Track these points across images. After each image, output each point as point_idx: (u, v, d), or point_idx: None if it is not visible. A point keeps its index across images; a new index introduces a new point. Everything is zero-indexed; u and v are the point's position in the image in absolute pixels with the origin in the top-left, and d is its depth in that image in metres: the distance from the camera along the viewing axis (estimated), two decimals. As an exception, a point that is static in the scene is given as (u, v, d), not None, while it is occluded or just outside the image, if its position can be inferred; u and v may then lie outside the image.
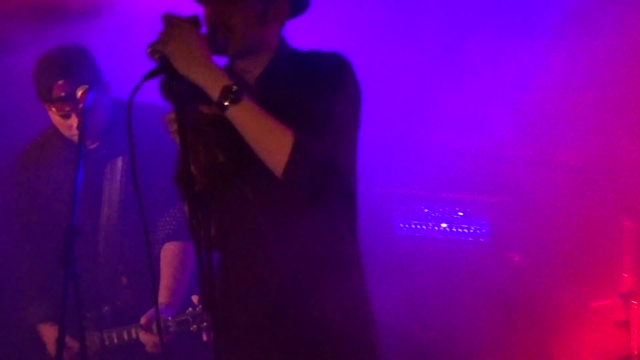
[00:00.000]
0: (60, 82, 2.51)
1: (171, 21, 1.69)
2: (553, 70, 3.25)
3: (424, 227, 3.74)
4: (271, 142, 1.81)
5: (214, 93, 1.69)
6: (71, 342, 2.60)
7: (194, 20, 1.74)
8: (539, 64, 3.33)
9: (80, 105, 2.41)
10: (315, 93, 1.87)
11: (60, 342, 2.21)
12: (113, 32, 3.28)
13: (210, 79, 1.73)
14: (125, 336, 2.74)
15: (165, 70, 1.66)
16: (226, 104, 1.69)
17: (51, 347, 2.80)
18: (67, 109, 2.54)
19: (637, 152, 3.21)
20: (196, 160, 1.82)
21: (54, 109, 2.61)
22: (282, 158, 1.75)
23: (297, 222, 1.93)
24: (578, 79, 3.24)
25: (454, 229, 3.67)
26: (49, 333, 2.80)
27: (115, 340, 2.75)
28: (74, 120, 2.57)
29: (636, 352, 3.25)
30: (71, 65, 2.57)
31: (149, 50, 1.70)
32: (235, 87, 1.71)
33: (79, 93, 2.47)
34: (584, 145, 3.35)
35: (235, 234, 1.96)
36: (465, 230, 3.65)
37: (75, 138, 2.54)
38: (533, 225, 3.55)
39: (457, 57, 3.52)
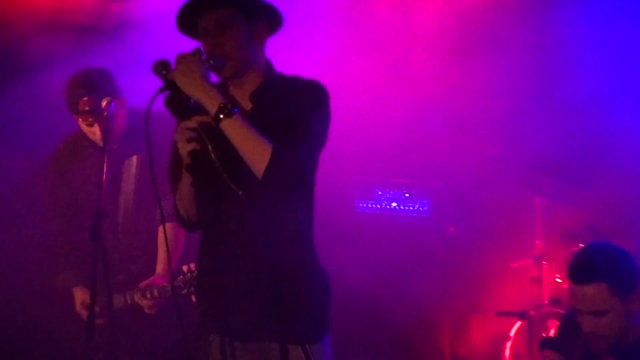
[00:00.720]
0: (85, 98, 2.82)
1: (178, 55, 1.98)
2: (476, 81, 3.84)
3: (378, 206, 4.25)
4: (254, 152, 2.01)
5: (212, 108, 1.92)
6: (84, 302, 3.00)
7: (196, 51, 2.02)
8: (466, 77, 3.88)
9: (105, 113, 2.75)
10: (296, 112, 2.08)
11: (92, 303, 2.57)
12: (130, 47, 3.64)
13: (208, 97, 1.96)
14: (129, 300, 3.00)
15: (171, 89, 1.93)
16: (221, 116, 1.93)
17: (79, 307, 3.09)
18: (91, 119, 2.86)
19: (541, 144, 3.78)
20: (196, 159, 1.99)
21: (80, 119, 2.93)
22: (262, 166, 1.97)
23: (271, 209, 2.17)
24: (495, 88, 3.85)
25: (402, 207, 4.20)
26: (79, 295, 3.09)
27: (122, 303, 2.99)
28: (96, 128, 2.89)
29: (546, 302, 3.89)
30: (94, 85, 2.87)
31: (153, 68, 1.99)
32: (229, 105, 1.95)
33: (104, 103, 2.80)
34: (501, 140, 3.95)
35: (225, 217, 2.16)
36: (411, 208, 4.18)
37: (99, 141, 2.93)
38: (464, 203, 4.13)
39: (403, 70, 4.02)
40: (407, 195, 4.21)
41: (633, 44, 3.95)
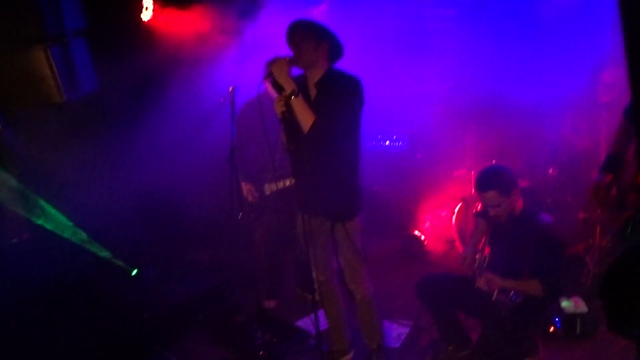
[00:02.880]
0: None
1: (275, 57, 2.86)
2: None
3: (378, 144, 5.80)
4: (304, 121, 2.87)
5: (288, 90, 2.82)
6: (250, 188, 4.08)
7: (286, 56, 2.87)
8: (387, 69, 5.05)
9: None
10: (333, 97, 2.92)
11: (237, 190, 3.64)
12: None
13: (288, 84, 2.84)
14: (274, 187, 3.95)
15: (270, 77, 2.86)
16: (292, 97, 2.82)
17: (247, 193, 4.07)
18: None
19: (449, 123, 5.15)
20: (284, 117, 2.85)
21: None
22: (306, 129, 2.86)
23: (322, 156, 3.00)
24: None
25: (390, 145, 5.82)
26: (245, 186, 4.09)
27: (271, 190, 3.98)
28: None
29: (474, 193, 4.91)
30: None
31: (265, 64, 2.85)
32: (297, 90, 2.83)
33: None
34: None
35: (303, 154, 2.97)
36: (395, 144, 5.80)
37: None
38: (425, 141, 5.65)
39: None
40: (394, 137, 5.79)
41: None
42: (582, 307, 3.89)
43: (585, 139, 4.81)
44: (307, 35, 2.92)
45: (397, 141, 5.73)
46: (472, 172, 5.21)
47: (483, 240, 3.45)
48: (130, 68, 4.41)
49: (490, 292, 3.01)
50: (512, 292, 3.02)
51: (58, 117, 4.12)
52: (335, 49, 3.00)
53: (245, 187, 4.06)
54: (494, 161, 5.01)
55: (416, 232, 5.51)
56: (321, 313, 3.36)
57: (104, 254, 4.30)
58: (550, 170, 4.87)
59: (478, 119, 5.24)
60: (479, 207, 4.77)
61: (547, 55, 4.85)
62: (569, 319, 3.81)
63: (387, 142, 5.75)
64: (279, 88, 2.91)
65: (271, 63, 2.85)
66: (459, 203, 5.30)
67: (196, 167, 4.74)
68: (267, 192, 4.07)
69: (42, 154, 4.11)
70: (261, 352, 3.73)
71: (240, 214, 3.85)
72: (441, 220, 5.58)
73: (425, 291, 3.54)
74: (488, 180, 3.16)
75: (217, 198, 4.21)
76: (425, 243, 5.45)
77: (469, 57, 5.13)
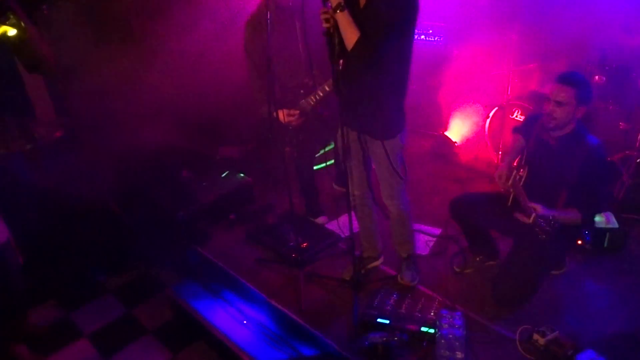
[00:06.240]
0: None
1: None
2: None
3: (421, 38, 5.57)
4: (348, 37, 2.72)
5: (334, 3, 2.66)
6: (290, 112, 3.84)
7: None
8: None
9: None
10: (382, 12, 2.68)
11: (270, 111, 3.20)
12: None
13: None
14: (310, 102, 3.79)
15: None
16: (338, 10, 2.66)
17: (285, 117, 3.84)
18: None
19: (490, 19, 4.84)
20: (328, 31, 2.68)
21: None
22: (350, 44, 2.71)
23: (366, 70, 2.84)
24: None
25: (427, 39, 5.59)
26: (280, 113, 3.81)
27: (306, 105, 3.77)
28: None
29: (513, 97, 4.83)
30: None
31: None
32: (343, 3, 2.67)
33: None
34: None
35: (346, 70, 2.79)
36: (432, 39, 5.57)
37: None
38: (462, 37, 5.28)
39: None
40: (430, 31, 5.55)
41: None
42: (613, 223, 3.90)
43: (637, 38, 4.53)
44: None
45: (434, 36, 5.48)
46: (513, 72, 4.92)
47: (518, 159, 3.37)
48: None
49: (529, 221, 2.99)
50: (551, 217, 2.99)
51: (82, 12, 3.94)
52: None
53: (283, 114, 3.82)
54: (535, 64, 4.78)
55: (448, 134, 5.42)
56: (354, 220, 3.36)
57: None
58: (597, 78, 4.61)
59: (522, 18, 4.87)
60: (517, 113, 4.78)
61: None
62: (599, 233, 3.84)
63: (423, 37, 5.50)
64: (324, 1, 2.72)
65: None
66: (494, 107, 5.10)
67: (228, 63, 4.48)
68: (307, 108, 3.85)
69: (67, 51, 3.95)
70: (293, 255, 3.84)
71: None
72: (475, 124, 5.45)
73: (459, 211, 3.56)
74: (576, 77, 3.04)
75: (248, 94, 3.96)
76: (456, 145, 5.38)
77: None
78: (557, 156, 3.20)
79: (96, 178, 4.07)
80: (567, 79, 3.02)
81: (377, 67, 2.82)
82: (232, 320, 3.64)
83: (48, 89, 4.14)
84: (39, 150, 3.76)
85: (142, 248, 4.22)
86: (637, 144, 4.33)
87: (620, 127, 4.56)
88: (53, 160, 4.10)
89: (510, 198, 3.19)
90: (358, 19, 2.72)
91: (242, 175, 4.75)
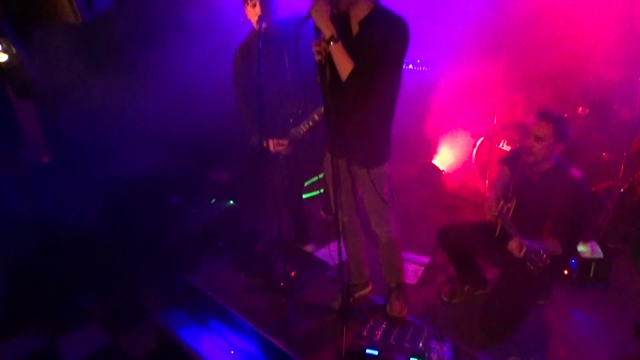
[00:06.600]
0: None
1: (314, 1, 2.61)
2: None
3: (408, 67, 5.08)
4: (343, 67, 2.73)
5: (327, 35, 2.65)
6: (279, 141, 3.77)
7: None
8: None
9: None
10: (378, 43, 2.68)
11: (263, 136, 3.19)
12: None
13: (327, 28, 2.66)
14: (298, 132, 3.71)
15: (309, 19, 2.65)
16: (331, 42, 2.65)
17: (274, 146, 3.75)
18: (254, 2, 3.34)
19: (477, 51, 4.87)
20: (320, 64, 2.66)
21: (248, 6, 3.36)
22: (345, 76, 2.73)
23: (358, 100, 2.86)
24: None
25: (415, 68, 5.18)
26: (270, 142, 3.66)
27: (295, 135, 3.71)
28: (258, 8, 3.35)
29: (499, 127, 4.82)
30: None
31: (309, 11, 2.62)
32: (336, 36, 2.64)
33: None
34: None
35: (337, 100, 2.79)
36: (419, 68, 5.13)
37: (257, 23, 3.30)
38: (448, 66, 5.29)
39: None
40: (418, 61, 5.24)
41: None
42: (598, 253, 3.95)
43: (620, 71, 4.60)
44: None
45: (421, 65, 5.29)
46: (497, 103, 4.90)
47: (505, 191, 3.41)
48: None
49: (520, 255, 3.02)
50: (542, 251, 3.03)
51: (73, 38, 3.93)
52: None
53: (273, 143, 3.76)
54: (521, 95, 4.86)
55: (435, 162, 5.46)
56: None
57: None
58: (580, 109, 4.70)
59: (508, 49, 4.83)
60: (501, 144, 4.87)
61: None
62: (584, 263, 3.88)
63: (410, 66, 5.28)
64: (316, 31, 2.72)
65: (312, 6, 2.66)
66: (481, 137, 5.16)
67: (219, 88, 4.39)
68: (297, 137, 3.83)
69: (57, 76, 3.95)
70: (282, 283, 3.83)
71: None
72: (461, 153, 5.50)
73: (448, 240, 3.59)
74: (554, 114, 3.14)
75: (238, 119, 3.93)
76: (443, 173, 5.41)
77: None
78: (541, 190, 3.26)
79: (84, 203, 4.01)
80: (547, 115, 3.11)
81: (369, 96, 2.84)
82: (219, 349, 3.60)
83: (37, 114, 4.08)
84: (26, 175, 3.77)
85: (129, 274, 4.17)
86: (621, 174, 4.38)
87: (604, 157, 4.63)
88: (40, 184, 4.06)
89: (498, 229, 3.21)
90: (351, 48, 2.73)
91: (231, 202, 4.73)
